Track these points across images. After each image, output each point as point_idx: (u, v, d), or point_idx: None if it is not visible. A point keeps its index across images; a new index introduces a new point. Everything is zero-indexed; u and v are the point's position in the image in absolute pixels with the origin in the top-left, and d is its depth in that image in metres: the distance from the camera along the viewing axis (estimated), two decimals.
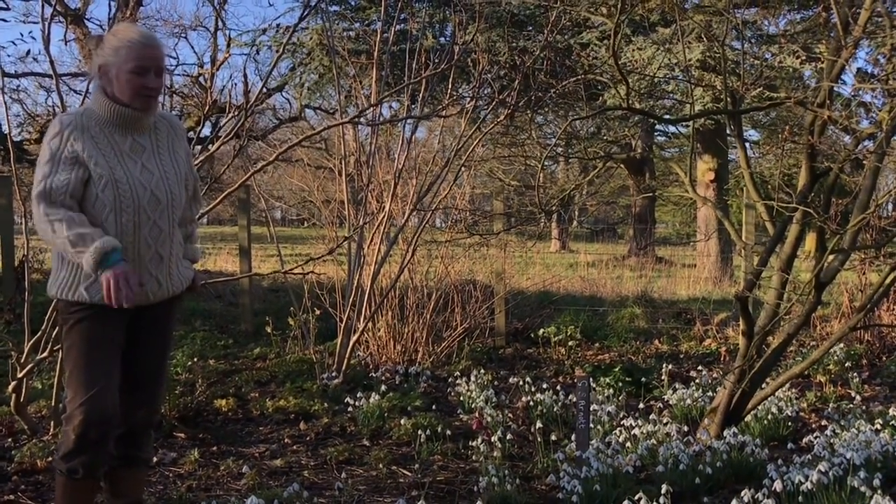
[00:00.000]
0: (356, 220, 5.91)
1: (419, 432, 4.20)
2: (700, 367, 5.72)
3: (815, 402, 5.21)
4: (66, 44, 28.44)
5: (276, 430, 4.57)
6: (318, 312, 6.10)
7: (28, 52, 26.48)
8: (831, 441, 3.89)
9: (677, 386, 5.11)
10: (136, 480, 2.97)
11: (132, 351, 2.76)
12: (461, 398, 5.14)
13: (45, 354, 3.94)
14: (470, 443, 4.10)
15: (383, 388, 5.08)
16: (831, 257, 3.79)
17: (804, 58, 9.27)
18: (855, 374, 5.78)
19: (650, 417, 4.42)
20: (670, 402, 4.91)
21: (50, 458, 3.62)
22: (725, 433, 3.85)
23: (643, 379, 5.47)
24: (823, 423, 4.67)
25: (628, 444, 3.99)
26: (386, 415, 4.64)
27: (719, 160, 14.10)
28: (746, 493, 3.03)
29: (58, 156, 2.55)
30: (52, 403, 4.22)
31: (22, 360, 3.97)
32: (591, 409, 4.24)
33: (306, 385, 5.37)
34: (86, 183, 2.57)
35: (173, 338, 3.17)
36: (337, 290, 6.30)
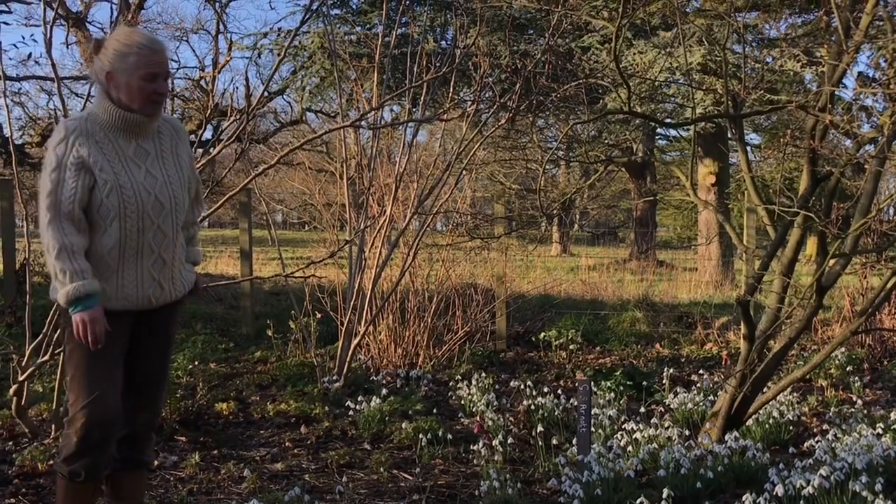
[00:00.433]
0: (357, 223, 5.90)
1: (420, 436, 4.20)
2: (701, 371, 5.73)
3: (817, 407, 5.20)
4: (67, 47, 28.53)
5: (276, 433, 4.56)
6: (319, 316, 6.10)
7: (30, 56, 26.46)
8: (833, 445, 3.88)
9: (678, 390, 5.11)
10: (138, 484, 2.97)
11: (134, 354, 2.76)
12: (462, 402, 5.14)
13: (46, 357, 3.93)
14: (471, 447, 4.10)
15: (384, 391, 5.07)
16: (833, 261, 3.80)
17: (805, 62, 9.27)
18: (856, 378, 5.77)
19: (651, 421, 4.42)
20: (671, 406, 4.91)
21: (51, 462, 3.62)
22: (727, 437, 3.84)
23: (644, 383, 5.46)
24: (825, 427, 4.67)
25: (630, 448, 3.99)
26: (387, 418, 4.63)
27: (720, 164, 14.10)
28: (748, 498, 3.03)
29: (64, 162, 2.55)
30: (54, 407, 4.22)
31: (23, 364, 3.97)
32: (593, 412, 4.23)
33: (307, 389, 5.36)
34: (91, 189, 2.57)
35: (175, 341, 3.17)
36: (338, 293, 6.29)
